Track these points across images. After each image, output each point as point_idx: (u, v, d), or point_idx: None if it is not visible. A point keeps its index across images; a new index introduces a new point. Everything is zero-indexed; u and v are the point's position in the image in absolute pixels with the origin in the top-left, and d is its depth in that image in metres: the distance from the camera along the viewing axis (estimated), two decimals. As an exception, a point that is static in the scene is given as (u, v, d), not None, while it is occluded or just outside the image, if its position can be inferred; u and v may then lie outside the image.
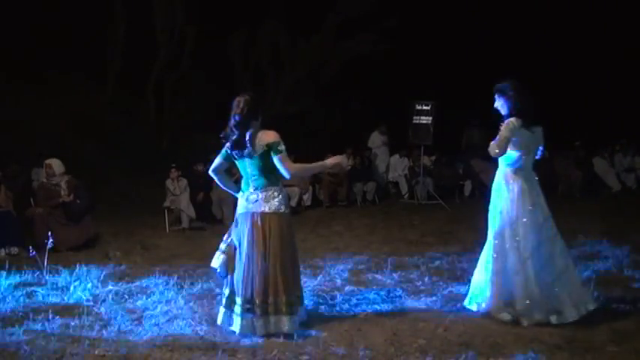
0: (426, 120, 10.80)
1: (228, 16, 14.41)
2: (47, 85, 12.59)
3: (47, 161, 7.16)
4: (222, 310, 3.84)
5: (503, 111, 4.01)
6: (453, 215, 9.19)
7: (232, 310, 3.75)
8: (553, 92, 16.42)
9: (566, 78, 16.14)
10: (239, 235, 3.81)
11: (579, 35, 15.87)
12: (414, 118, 10.86)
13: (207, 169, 4.07)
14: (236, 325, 3.70)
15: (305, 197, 10.24)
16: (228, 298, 3.79)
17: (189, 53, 14.65)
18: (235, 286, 3.75)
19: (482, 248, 4.10)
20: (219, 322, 3.83)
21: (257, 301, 3.64)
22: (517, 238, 3.84)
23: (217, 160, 3.93)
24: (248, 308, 3.65)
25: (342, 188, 10.98)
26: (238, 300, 3.70)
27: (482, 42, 16.22)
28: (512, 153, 3.94)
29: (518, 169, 4.00)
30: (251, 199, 3.78)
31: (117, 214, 9.08)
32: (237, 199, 4.00)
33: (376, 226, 8.13)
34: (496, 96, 4.08)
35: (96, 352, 3.38)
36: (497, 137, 3.90)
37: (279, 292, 3.65)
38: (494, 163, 4.27)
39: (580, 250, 6.05)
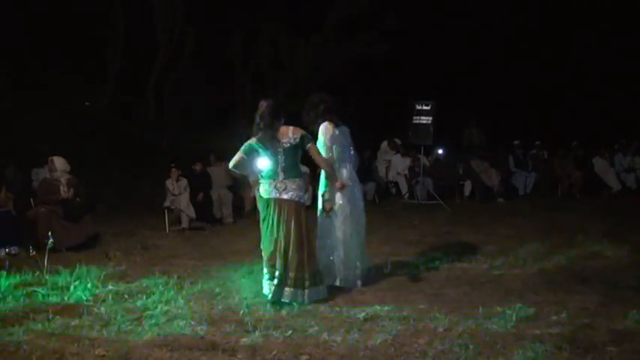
0: (426, 120, 10.79)
1: (228, 16, 14.42)
2: (47, 86, 12.60)
3: (51, 157, 7.24)
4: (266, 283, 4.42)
5: (320, 119, 4.80)
6: (453, 215, 9.19)
7: (269, 280, 4.36)
8: (552, 92, 16.47)
9: (566, 78, 16.16)
10: (267, 217, 4.41)
11: (579, 35, 15.87)
12: (414, 118, 10.85)
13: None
14: (270, 292, 4.29)
15: (305, 197, 10.23)
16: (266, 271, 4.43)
17: (189, 53, 14.66)
18: (271, 261, 4.36)
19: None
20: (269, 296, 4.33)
21: (291, 275, 4.28)
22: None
23: (239, 157, 4.43)
24: (284, 281, 4.28)
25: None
26: (276, 272, 4.29)
27: (482, 42, 16.22)
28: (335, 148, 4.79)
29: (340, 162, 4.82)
30: (279, 187, 4.37)
31: (117, 214, 9.08)
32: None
33: (376, 226, 8.11)
34: (309, 111, 4.85)
35: (96, 352, 3.38)
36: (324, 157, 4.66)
37: (301, 268, 4.30)
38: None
39: (580, 250, 6.05)
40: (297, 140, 4.36)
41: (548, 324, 3.74)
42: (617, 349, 3.30)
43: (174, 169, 8.60)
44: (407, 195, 11.24)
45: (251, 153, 4.42)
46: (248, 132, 4.47)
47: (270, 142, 4.33)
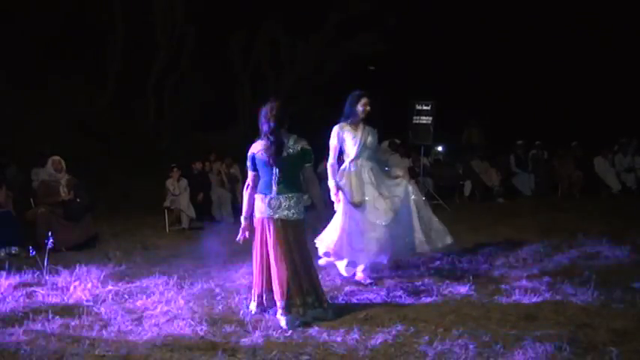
0: (426, 120, 10.78)
1: (228, 16, 14.43)
2: (48, 86, 12.60)
3: (57, 157, 7.19)
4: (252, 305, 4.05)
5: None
6: (453, 215, 9.16)
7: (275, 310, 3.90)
8: (553, 92, 16.48)
9: (566, 78, 16.16)
10: (261, 238, 3.95)
11: (579, 35, 15.88)
12: (414, 118, 10.84)
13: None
14: (282, 322, 3.80)
15: (305, 197, 10.21)
16: (260, 297, 4.00)
17: (189, 53, 14.67)
18: (264, 286, 3.96)
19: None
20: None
21: (295, 301, 3.82)
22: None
23: (251, 174, 4.04)
24: (289, 306, 3.81)
25: (342, 188, 10.94)
26: (281, 302, 3.82)
27: (483, 42, 16.23)
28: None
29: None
30: (274, 205, 3.88)
31: (117, 214, 9.08)
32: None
33: (376, 226, 8.11)
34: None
35: (96, 352, 3.38)
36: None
37: (305, 292, 3.86)
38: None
39: (580, 250, 6.05)
40: (298, 151, 3.88)
41: (548, 324, 3.74)
42: (617, 349, 3.29)
43: (176, 170, 8.60)
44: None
45: (256, 169, 4.00)
46: (248, 133, 4.31)
47: (269, 150, 3.83)
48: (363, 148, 4.87)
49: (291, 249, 3.86)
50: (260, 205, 3.95)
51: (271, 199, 3.88)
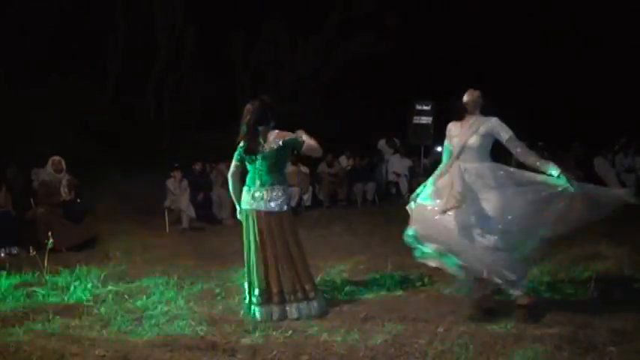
0: (426, 120, 10.80)
1: (228, 16, 14.44)
2: (48, 86, 12.60)
3: (57, 158, 7.18)
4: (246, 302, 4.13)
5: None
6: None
7: (251, 301, 4.03)
8: (553, 92, 16.48)
9: (567, 78, 16.16)
10: (246, 229, 4.09)
11: (580, 35, 15.88)
12: (414, 118, 10.86)
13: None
14: (256, 314, 3.94)
15: (305, 197, 10.24)
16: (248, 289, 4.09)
17: (190, 53, 14.68)
18: (250, 278, 4.06)
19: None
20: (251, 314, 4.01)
21: (274, 291, 3.94)
22: None
23: (234, 165, 4.19)
24: (267, 298, 3.94)
25: (342, 188, 10.97)
26: (256, 291, 3.97)
27: (483, 42, 16.23)
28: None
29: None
30: (257, 197, 4.02)
31: (117, 214, 9.07)
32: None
33: (376, 226, 8.11)
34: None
35: (96, 352, 3.38)
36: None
37: (290, 283, 3.95)
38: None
39: (580, 250, 6.05)
40: (280, 144, 3.99)
41: (548, 324, 3.74)
42: (617, 349, 3.29)
43: (177, 170, 8.60)
44: (407, 195, 11.22)
45: (241, 161, 4.16)
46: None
47: (251, 149, 4.01)
48: None
49: (273, 240, 3.98)
50: (245, 197, 4.10)
51: (255, 191, 4.03)
